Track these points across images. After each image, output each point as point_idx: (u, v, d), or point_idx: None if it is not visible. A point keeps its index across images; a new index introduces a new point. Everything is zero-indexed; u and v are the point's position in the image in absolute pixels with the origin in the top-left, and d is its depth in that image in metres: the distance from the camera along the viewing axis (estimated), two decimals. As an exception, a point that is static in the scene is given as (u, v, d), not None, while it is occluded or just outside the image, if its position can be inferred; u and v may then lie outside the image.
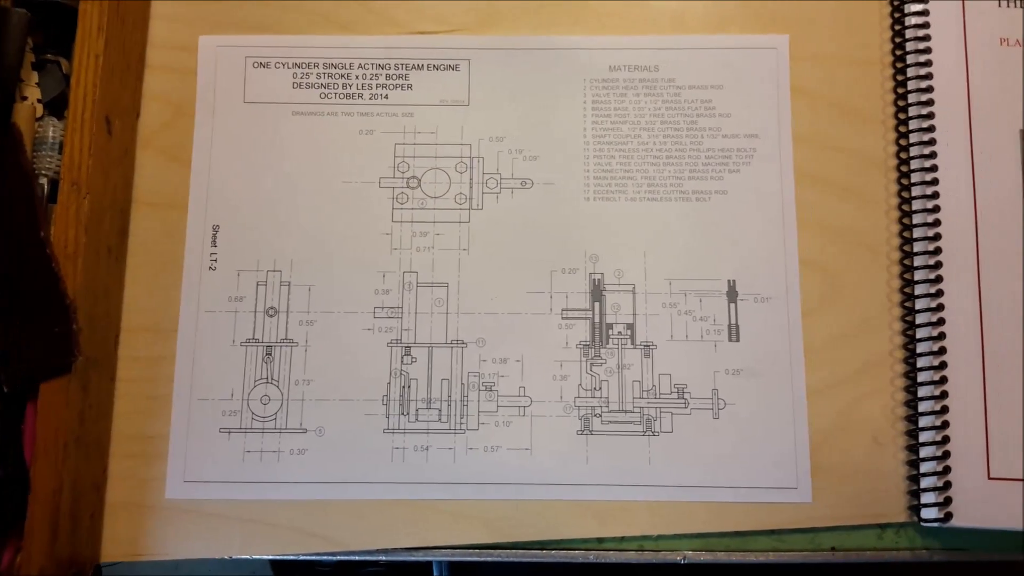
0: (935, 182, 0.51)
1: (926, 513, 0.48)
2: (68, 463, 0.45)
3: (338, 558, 0.49)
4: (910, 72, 0.53)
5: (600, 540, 0.49)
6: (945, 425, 0.48)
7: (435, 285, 0.52)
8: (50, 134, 0.50)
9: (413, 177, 0.53)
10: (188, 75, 0.55)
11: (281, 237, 0.52)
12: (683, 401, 0.50)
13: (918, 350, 0.50)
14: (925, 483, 0.48)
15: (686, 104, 0.54)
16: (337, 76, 0.55)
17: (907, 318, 0.51)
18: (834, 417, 0.50)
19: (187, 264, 0.52)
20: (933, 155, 0.51)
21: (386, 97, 0.54)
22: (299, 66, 0.55)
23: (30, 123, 0.49)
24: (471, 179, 0.53)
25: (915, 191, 0.52)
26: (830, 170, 0.53)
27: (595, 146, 0.54)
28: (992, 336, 0.49)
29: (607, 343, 0.51)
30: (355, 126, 0.54)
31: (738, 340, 0.51)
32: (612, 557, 0.49)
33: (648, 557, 0.49)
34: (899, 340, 0.51)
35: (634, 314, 0.51)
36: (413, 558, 0.49)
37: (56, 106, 0.51)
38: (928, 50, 0.53)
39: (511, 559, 0.49)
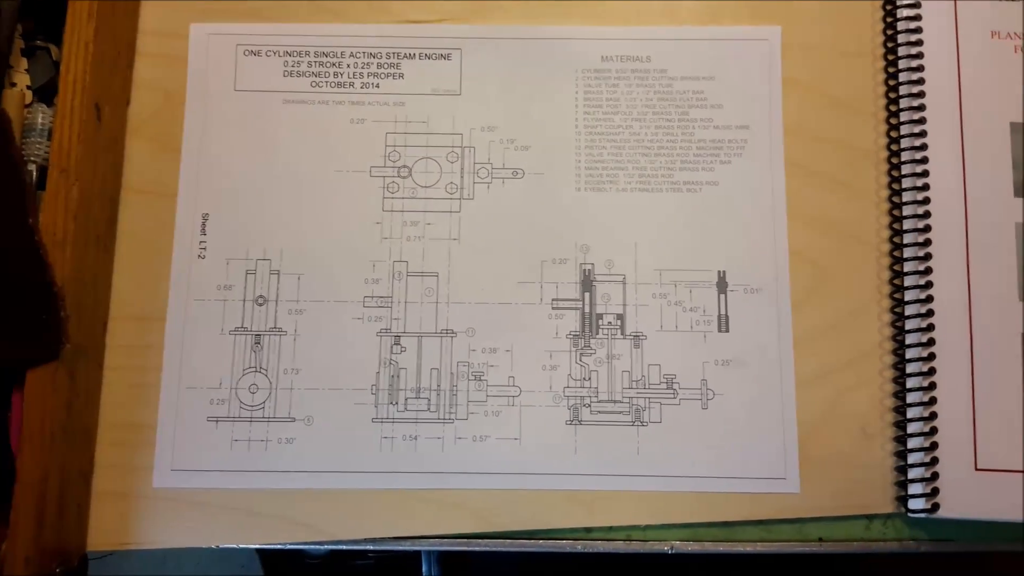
0: (925, 174, 0.51)
1: (913, 504, 0.48)
2: (55, 451, 0.45)
3: (326, 547, 0.49)
4: (902, 64, 0.53)
5: (588, 530, 0.49)
6: (933, 416, 0.48)
7: (425, 275, 0.52)
8: (39, 121, 0.49)
9: (404, 166, 0.53)
10: (179, 63, 0.54)
11: (271, 226, 0.52)
12: (672, 391, 0.50)
13: (907, 342, 0.50)
14: (912, 474, 0.48)
15: (678, 95, 0.54)
16: (328, 65, 0.54)
17: (896, 310, 0.51)
18: (823, 408, 0.50)
19: (176, 252, 0.52)
20: (924, 147, 0.51)
21: (377, 86, 0.54)
22: (290, 54, 0.54)
23: (19, 110, 0.49)
24: (462, 169, 0.53)
25: (905, 183, 0.52)
26: (821, 162, 0.53)
27: (587, 136, 0.54)
28: (980, 328, 0.49)
29: (597, 333, 0.51)
30: (346, 115, 0.54)
31: (728, 331, 0.51)
32: (600, 547, 0.49)
33: (636, 547, 0.49)
34: (888, 332, 0.51)
35: (624, 304, 0.51)
36: (401, 547, 0.49)
37: (46, 93, 0.51)
38: (920, 42, 0.53)
39: (499, 549, 0.49)
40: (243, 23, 0.55)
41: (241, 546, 0.49)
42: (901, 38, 0.53)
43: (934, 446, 0.48)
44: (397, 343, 0.51)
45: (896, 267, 0.51)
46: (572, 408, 0.50)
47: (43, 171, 0.48)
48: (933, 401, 0.49)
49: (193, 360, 0.51)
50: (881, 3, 0.55)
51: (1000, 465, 0.48)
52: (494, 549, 0.49)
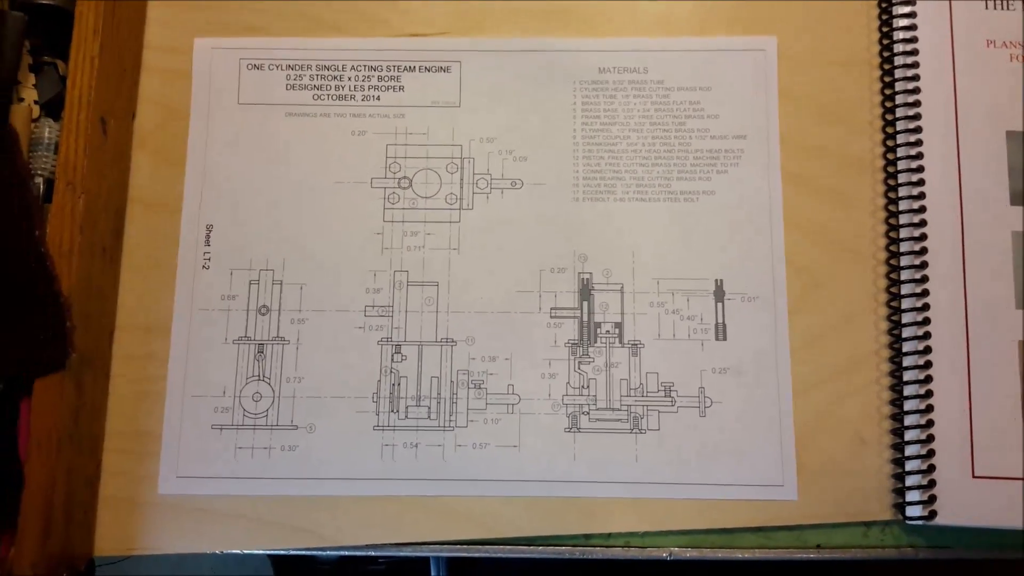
0: (921, 183, 0.51)
1: (911, 511, 0.48)
2: (62, 459, 0.46)
3: (333, 553, 0.50)
4: (897, 74, 0.53)
5: (587, 536, 0.50)
6: (930, 424, 0.49)
7: (425, 284, 0.52)
8: (46, 135, 0.50)
9: (404, 177, 0.54)
10: (183, 77, 0.55)
11: (274, 236, 0.53)
12: (670, 399, 0.51)
13: (903, 349, 0.50)
14: (910, 481, 0.49)
15: (675, 105, 0.55)
16: (330, 78, 0.55)
17: (892, 318, 0.51)
18: (819, 416, 0.51)
19: (181, 263, 0.53)
20: (919, 156, 0.52)
21: (378, 98, 0.55)
22: (292, 68, 0.55)
23: (26, 124, 0.50)
24: (462, 179, 0.54)
25: (901, 192, 0.52)
26: (817, 171, 0.53)
27: (584, 147, 0.54)
28: (977, 335, 0.50)
29: (595, 342, 0.52)
30: (347, 127, 0.55)
31: (725, 339, 0.51)
32: (599, 553, 0.50)
33: (634, 554, 0.49)
34: (884, 340, 0.51)
35: (622, 313, 0.52)
36: (402, 554, 0.50)
37: (52, 108, 0.52)
38: (915, 52, 0.53)
39: (499, 555, 0.49)
40: (246, 37, 0.56)
41: (245, 552, 0.49)
42: (897, 47, 0.54)
43: (931, 453, 0.48)
44: (398, 352, 0.52)
45: (892, 275, 0.52)
46: (571, 416, 0.51)
47: (50, 184, 0.49)
48: (930, 408, 0.49)
49: (198, 369, 0.51)
50: (876, 12, 0.55)
51: (997, 472, 0.48)
52: (493, 555, 0.49)
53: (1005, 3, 0.54)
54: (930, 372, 0.49)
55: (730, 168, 0.54)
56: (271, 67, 0.55)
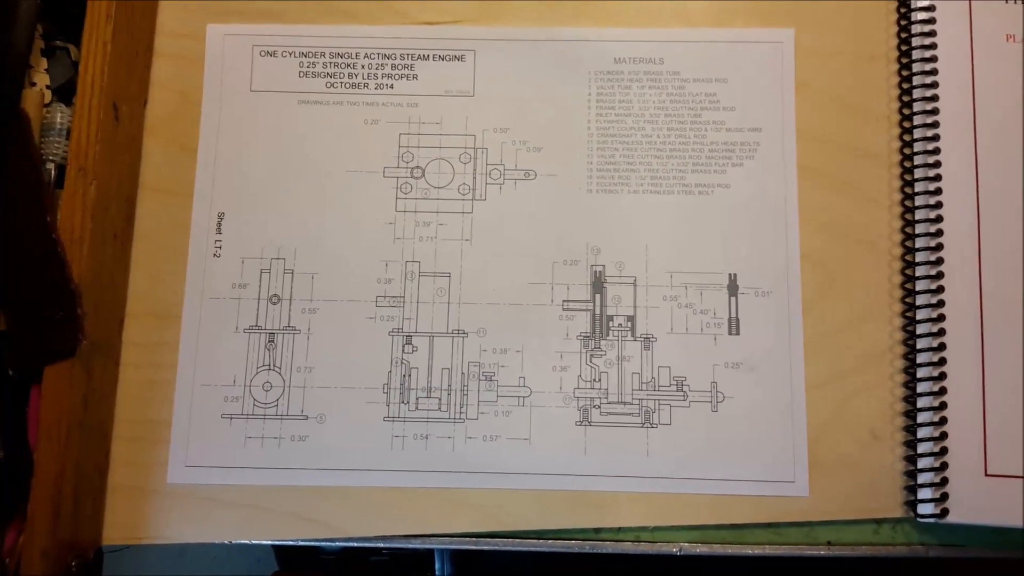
0: (938, 178, 0.51)
1: (922, 509, 0.48)
2: (71, 447, 0.46)
3: (336, 544, 0.50)
4: (915, 68, 0.53)
5: (597, 531, 0.50)
6: (943, 421, 0.48)
7: (437, 275, 0.52)
8: (58, 120, 0.50)
9: (417, 167, 0.54)
10: (195, 63, 0.55)
11: (285, 225, 0.53)
12: (682, 394, 0.51)
13: (917, 346, 0.50)
14: (922, 479, 0.48)
15: (690, 97, 0.54)
16: (343, 66, 0.55)
17: (907, 314, 0.51)
18: (832, 411, 0.50)
19: (192, 251, 0.52)
20: (937, 151, 0.51)
21: (391, 87, 0.55)
22: (305, 55, 0.55)
23: (38, 109, 0.50)
24: (475, 170, 0.54)
25: (918, 187, 0.51)
26: (833, 165, 0.53)
27: (599, 138, 0.54)
28: (992, 333, 0.49)
29: (607, 335, 0.51)
30: (360, 115, 0.54)
31: (738, 333, 0.51)
32: (609, 548, 0.49)
33: (645, 548, 0.49)
34: (898, 336, 0.51)
35: (635, 306, 0.52)
36: (411, 545, 0.49)
37: (64, 93, 0.52)
38: (934, 46, 0.52)
39: (508, 548, 0.49)
40: (259, 24, 0.55)
41: (253, 542, 0.49)
42: (915, 41, 0.53)
43: (944, 451, 0.48)
44: (409, 343, 0.51)
45: (907, 271, 0.51)
46: (582, 409, 0.51)
47: (61, 170, 0.49)
48: (943, 406, 0.49)
49: (208, 358, 0.51)
50: (895, 6, 0.54)
51: (1010, 471, 0.48)
52: (503, 548, 0.49)
53: (1025, -2, 0.53)
54: (944, 369, 0.49)
55: (745, 161, 0.53)
56: (284, 54, 0.55)
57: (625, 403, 0.51)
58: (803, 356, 0.51)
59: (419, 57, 0.55)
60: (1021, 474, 0.48)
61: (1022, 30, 0.52)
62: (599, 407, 0.51)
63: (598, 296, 0.52)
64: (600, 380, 0.51)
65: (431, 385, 0.51)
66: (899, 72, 0.54)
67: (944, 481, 0.48)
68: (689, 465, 0.50)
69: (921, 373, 0.49)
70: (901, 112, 0.53)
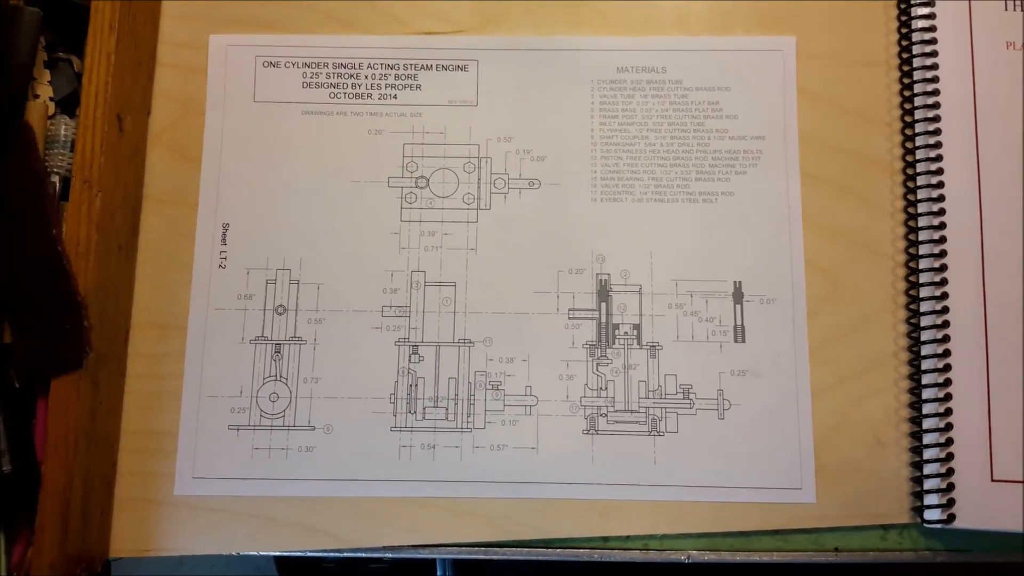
0: (940, 184, 0.51)
1: (929, 514, 0.48)
2: (78, 459, 0.45)
3: (345, 555, 0.50)
4: (916, 75, 0.53)
5: (605, 539, 0.50)
6: (949, 427, 0.49)
7: (443, 284, 0.52)
8: (62, 132, 0.50)
9: (422, 177, 0.54)
10: (198, 74, 0.55)
11: (290, 236, 0.53)
12: (688, 401, 0.51)
13: (922, 352, 0.50)
14: (928, 484, 0.48)
15: (693, 105, 0.54)
16: (346, 76, 0.55)
17: (911, 320, 0.51)
18: (838, 418, 0.50)
19: (197, 262, 0.52)
20: (939, 158, 0.51)
21: (395, 97, 0.55)
22: (309, 66, 0.55)
23: (42, 121, 0.50)
24: (479, 179, 0.54)
25: (920, 194, 0.52)
26: (836, 172, 0.53)
27: (602, 147, 0.54)
28: (996, 338, 0.49)
29: (613, 343, 0.51)
30: (364, 126, 0.54)
31: (743, 341, 0.51)
32: (617, 556, 0.49)
33: (653, 556, 0.49)
34: (903, 342, 0.51)
35: (640, 315, 0.52)
36: (419, 555, 0.49)
37: (68, 104, 0.52)
38: (935, 53, 0.53)
39: (516, 557, 0.49)
40: (262, 34, 0.55)
41: (261, 553, 0.49)
42: (916, 48, 0.53)
43: (950, 456, 0.48)
44: (415, 352, 0.51)
45: (911, 277, 0.51)
46: (589, 418, 0.51)
47: (66, 182, 0.49)
48: (949, 412, 0.49)
49: (214, 369, 0.51)
50: (895, 12, 0.55)
51: (1016, 476, 0.48)
52: (511, 558, 0.49)
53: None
54: (949, 375, 0.49)
55: (749, 169, 0.53)
56: (287, 65, 0.55)
57: (632, 411, 0.51)
58: (808, 363, 0.51)
59: (422, 67, 0.55)
60: (1026, 479, 0.48)
61: (1022, 37, 0.53)
62: (606, 415, 0.51)
63: (603, 304, 0.52)
64: (606, 388, 0.51)
65: (438, 395, 0.51)
66: (900, 79, 0.54)
67: (950, 487, 0.48)
68: (696, 473, 0.50)
69: (926, 379, 0.50)
70: (903, 119, 0.53)
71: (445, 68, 0.55)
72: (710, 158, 0.54)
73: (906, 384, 0.51)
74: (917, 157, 0.52)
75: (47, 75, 0.52)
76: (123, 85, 0.50)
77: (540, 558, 0.49)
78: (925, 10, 0.53)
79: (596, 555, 0.49)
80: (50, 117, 0.51)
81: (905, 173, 0.53)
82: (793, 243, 0.52)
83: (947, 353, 0.49)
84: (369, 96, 0.55)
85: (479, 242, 0.53)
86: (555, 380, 0.51)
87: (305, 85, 0.55)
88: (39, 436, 0.46)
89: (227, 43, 0.55)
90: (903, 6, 0.54)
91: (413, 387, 0.51)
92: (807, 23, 0.55)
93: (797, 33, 0.55)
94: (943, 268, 0.50)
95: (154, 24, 0.55)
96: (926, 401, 0.49)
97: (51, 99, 0.51)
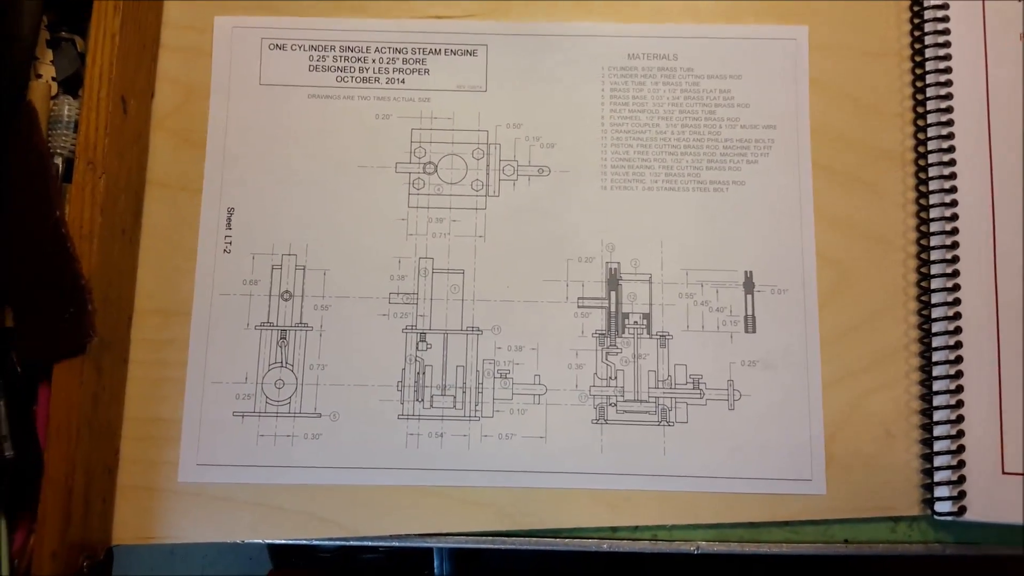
0: (952, 176, 0.51)
1: (940, 507, 0.48)
2: (81, 446, 0.45)
3: (346, 543, 0.49)
4: (929, 66, 0.53)
5: (614, 529, 0.49)
6: (959, 419, 0.48)
7: (451, 272, 0.52)
8: (65, 113, 0.49)
9: (430, 163, 0.53)
10: (202, 56, 0.54)
11: (296, 221, 0.52)
12: (699, 392, 0.50)
13: (933, 344, 0.50)
14: (939, 476, 0.48)
15: (704, 94, 0.54)
16: (354, 60, 0.54)
17: (923, 311, 0.51)
18: (848, 409, 0.50)
19: (201, 247, 0.52)
20: (951, 149, 0.51)
21: (403, 81, 0.54)
22: (315, 49, 0.54)
23: (45, 101, 0.49)
24: (488, 166, 0.53)
25: (932, 185, 0.51)
26: (847, 163, 0.53)
27: (613, 134, 0.53)
28: (1008, 330, 0.49)
29: (623, 332, 0.51)
30: (371, 110, 0.54)
31: (754, 331, 0.51)
32: (626, 546, 0.49)
33: (662, 547, 0.49)
34: (914, 333, 0.51)
35: (650, 304, 0.51)
36: (426, 544, 0.49)
37: (70, 85, 0.51)
38: (947, 43, 0.52)
39: (524, 547, 0.49)
40: (267, 16, 0.54)
41: (266, 542, 0.49)
42: (928, 39, 0.53)
43: (960, 449, 0.48)
44: (423, 340, 0.51)
45: (922, 268, 0.51)
46: (598, 407, 0.50)
47: (68, 164, 0.48)
48: (960, 404, 0.48)
49: (218, 355, 0.50)
50: (908, 3, 0.54)
51: (1026, 469, 0.48)
52: (518, 547, 0.49)
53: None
54: (960, 367, 0.49)
55: (760, 158, 0.53)
56: (294, 47, 0.54)
57: (641, 401, 0.50)
58: (819, 354, 0.51)
59: (430, 51, 0.54)
60: (1036, 472, 0.48)
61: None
62: (615, 405, 0.50)
63: (613, 293, 0.51)
64: (616, 378, 0.50)
65: (446, 383, 0.50)
66: (913, 69, 0.54)
67: (961, 479, 0.48)
68: (706, 463, 0.49)
69: (937, 371, 0.49)
70: (915, 110, 0.53)
71: (454, 53, 0.54)
72: (721, 147, 0.53)
73: (917, 376, 0.50)
74: (929, 149, 0.52)
75: (50, 55, 0.51)
76: (127, 67, 0.50)
77: (548, 548, 0.49)
78: (938, 1, 0.53)
79: (605, 546, 0.49)
80: (53, 97, 0.50)
81: (917, 165, 0.53)
82: (804, 234, 0.52)
83: (958, 345, 0.49)
84: (376, 80, 0.54)
85: (488, 229, 0.52)
86: (564, 369, 0.51)
87: (312, 68, 0.54)
88: (41, 422, 0.45)
89: (232, 25, 0.54)
90: (916, -4, 0.54)
91: (421, 375, 0.50)
92: (819, 13, 0.54)
93: (809, 23, 0.54)
94: (954, 260, 0.50)
95: (158, 5, 0.54)
96: (937, 393, 0.49)
97: (54, 79, 0.50)
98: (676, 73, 0.54)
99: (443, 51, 0.54)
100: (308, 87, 0.54)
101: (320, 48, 0.54)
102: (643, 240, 0.52)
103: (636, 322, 0.51)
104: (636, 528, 0.49)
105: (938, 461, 0.48)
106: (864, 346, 0.51)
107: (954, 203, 0.50)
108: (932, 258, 0.51)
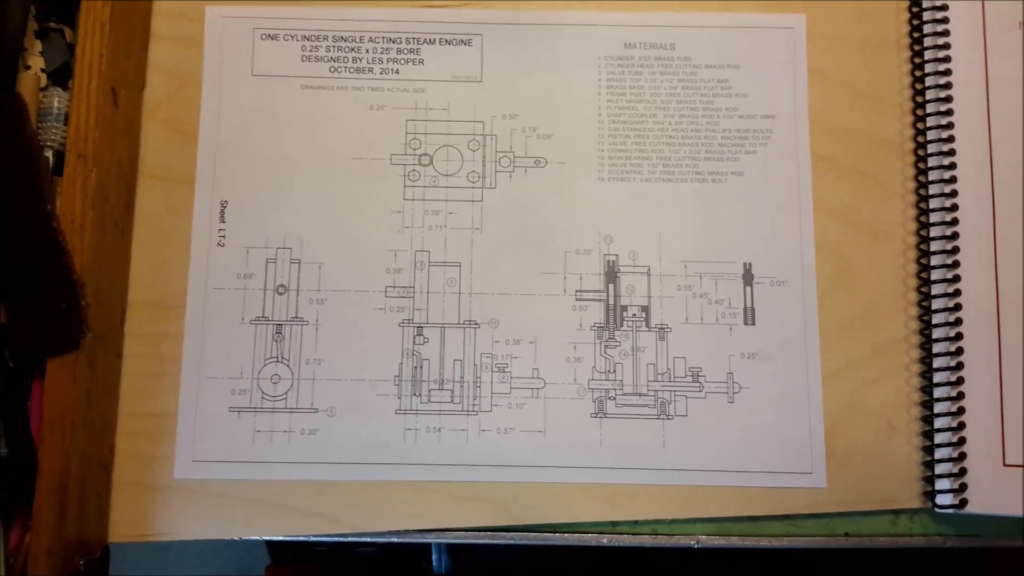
0: (952, 166, 0.50)
1: (941, 499, 0.48)
2: (75, 442, 0.44)
3: (349, 539, 0.49)
4: (928, 55, 0.52)
5: (614, 524, 0.49)
6: (960, 411, 0.48)
7: (447, 264, 0.51)
8: (55, 105, 0.48)
9: (425, 154, 0.52)
10: (194, 46, 0.53)
11: (291, 214, 0.51)
12: (698, 385, 0.50)
13: (934, 335, 0.50)
14: (940, 469, 0.48)
15: (702, 83, 0.53)
16: (347, 50, 0.53)
17: (923, 303, 0.50)
18: (849, 402, 0.50)
19: (195, 240, 0.51)
20: (951, 139, 0.51)
21: (397, 72, 0.53)
22: (308, 39, 0.53)
23: (34, 93, 0.48)
24: (484, 157, 0.52)
25: (932, 175, 0.51)
26: (846, 153, 0.52)
27: (610, 125, 0.53)
28: (1008, 321, 0.49)
29: (621, 325, 0.51)
30: (366, 101, 0.53)
31: (753, 324, 0.51)
32: (626, 541, 0.49)
33: (662, 541, 0.49)
34: (914, 325, 0.51)
35: (649, 296, 0.51)
36: (425, 540, 0.49)
37: (59, 76, 0.50)
38: (946, 32, 0.52)
39: (523, 542, 0.49)
40: (259, 5, 0.54)
41: (263, 538, 0.48)
42: (927, 28, 0.53)
43: (961, 441, 0.48)
44: (420, 334, 0.50)
45: (922, 260, 0.51)
46: (597, 401, 0.50)
47: (59, 156, 0.47)
48: (960, 396, 0.48)
49: (213, 349, 0.50)
50: (907, -8, 0.54)
51: (1027, 461, 0.48)
52: (518, 542, 0.49)
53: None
54: (961, 359, 0.49)
55: (759, 149, 0.52)
56: (286, 37, 0.53)
57: (640, 394, 0.50)
58: (819, 346, 0.50)
59: (425, 41, 0.54)
60: (1037, 464, 0.48)
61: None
62: (614, 398, 0.50)
63: (611, 286, 0.51)
64: (615, 371, 0.50)
65: (443, 377, 0.50)
66: (912, 59, 0.53)
67: (962, 472, 0.48)
68: (706, 457, 0.49)
69: (937, 363, 0.49)
70: (914, 100, 0.53)
71: (449, 43, 0.54)
72: (719, 137, 0.53)
73: (917, 368, 0.50)
74: (928, 139, 0.52)
75: (38, 46, 0.50)
76: (118, 57, 0.49)
77: (547, 543, 0.49)
78: (937, -11, 0.53)
79: (605, 540, 0.49)
80: (42, 89, 0.49)
81: (916, 155, 0.52)
82: (803, 225, 0.51)
83: (959, 337, 0.49)
84: (370, 71, 0.53)
85: (484, 221, 0.52)
86: (562, 363, 0.50)
87: (304, 59, 0.53)
88: (35, 418, 0.44)
89: (223, 14, 0.54)
90: (915, -15, 0.54)
91: (418, 369, 0.50)
92: (818, 2, 0.54)
93: (807, 12, 0.54)
94: (955, 251, 0.50)
95: (148, -7, 0.53)
96: (937, 385, 0.49)
97: (43, 70, 0.49)
98: (673, 63, 0.53)
99: (438, 41, 0.54)
100: (301, 78, 0.53)
101: (313, 38, 0.53)
102: (641, 232, 0.52)
103: (635, 315, 0.51)
104: (636, 522, 0.49)
105: (939, 453, 0.48)
106: (864, 338, 0.51)
107: (954, 193, 0.50)
108: (932, 249, 0.50)
